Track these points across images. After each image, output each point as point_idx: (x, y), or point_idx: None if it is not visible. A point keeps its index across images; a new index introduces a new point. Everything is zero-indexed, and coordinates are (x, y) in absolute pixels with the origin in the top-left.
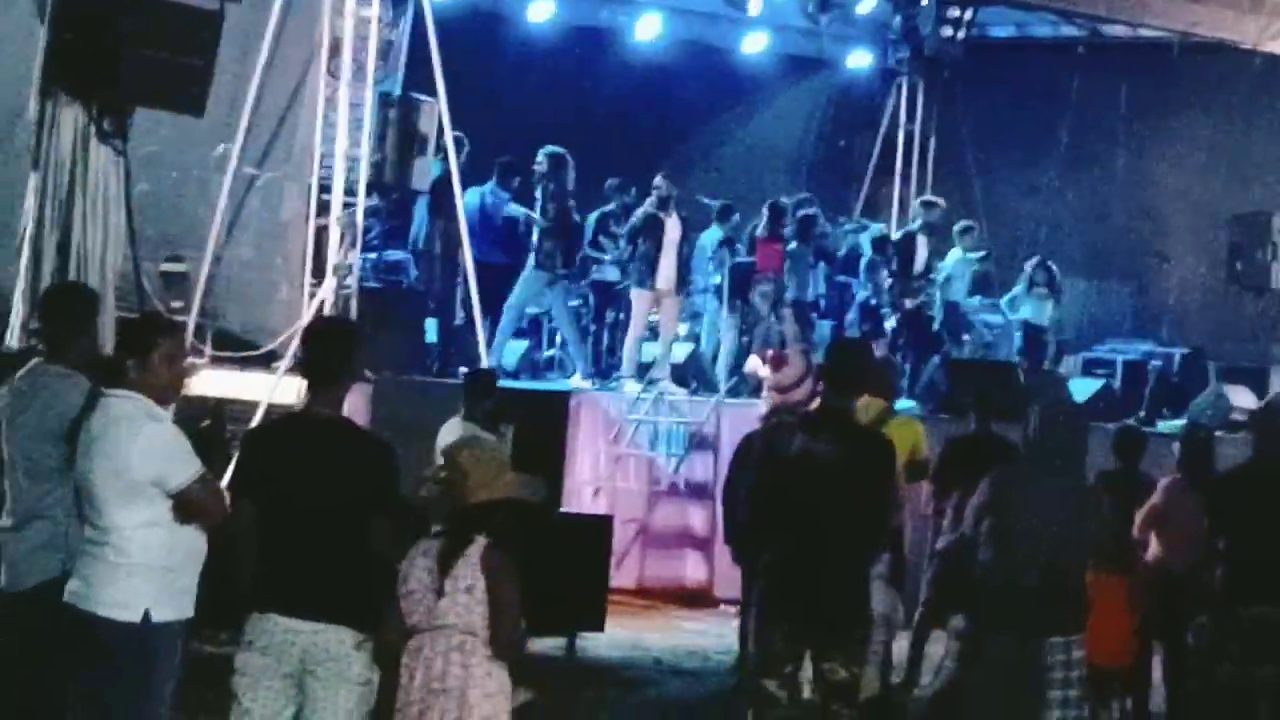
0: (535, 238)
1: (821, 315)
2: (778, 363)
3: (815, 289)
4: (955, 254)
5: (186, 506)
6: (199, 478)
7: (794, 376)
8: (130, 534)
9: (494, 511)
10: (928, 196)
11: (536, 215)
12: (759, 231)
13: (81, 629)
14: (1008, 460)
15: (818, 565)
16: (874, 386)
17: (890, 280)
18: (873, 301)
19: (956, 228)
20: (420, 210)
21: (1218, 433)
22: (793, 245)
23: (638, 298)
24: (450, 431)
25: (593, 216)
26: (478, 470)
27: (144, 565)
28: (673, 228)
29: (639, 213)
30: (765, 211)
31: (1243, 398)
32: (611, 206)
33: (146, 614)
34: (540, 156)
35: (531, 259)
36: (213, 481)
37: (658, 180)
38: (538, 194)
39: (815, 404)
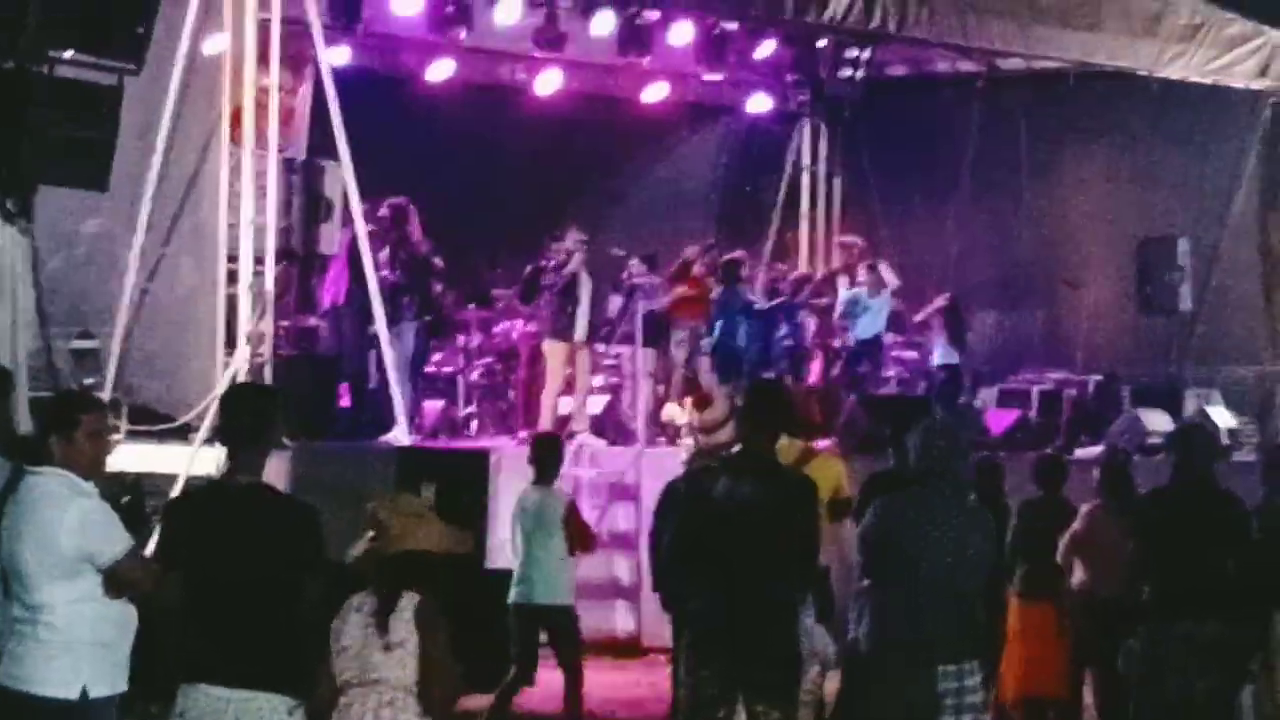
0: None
1: (743, 359)
2: (702, 404)
3: (739, 334)
4: (867, 293)
5: (117, 581)
6: (129, 552)
7: (718, 418)
8: (62, 611)
9: (422, 564)
10: (845, 238)
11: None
12: (672, 276)
13: (16, 711)
14: None
15: (746, 608)
16: (792, 427)
17: (810, 321)
18: (791, 343)
19: (865, 266)
20: (331, 275)
21: (1135, 457)
22: (717, 290)
23: (553, 351)
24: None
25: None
26: (396, 521)
27: (77, 641)
28: (586, 280)
29: (552, 266)
30: (681, 259)
31: (1158, 421)
32: (543, 261)
33: (84, 691)
34: (383, 209)
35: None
36: (142, 555)
37: (571, 233)
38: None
39: (737, 446)
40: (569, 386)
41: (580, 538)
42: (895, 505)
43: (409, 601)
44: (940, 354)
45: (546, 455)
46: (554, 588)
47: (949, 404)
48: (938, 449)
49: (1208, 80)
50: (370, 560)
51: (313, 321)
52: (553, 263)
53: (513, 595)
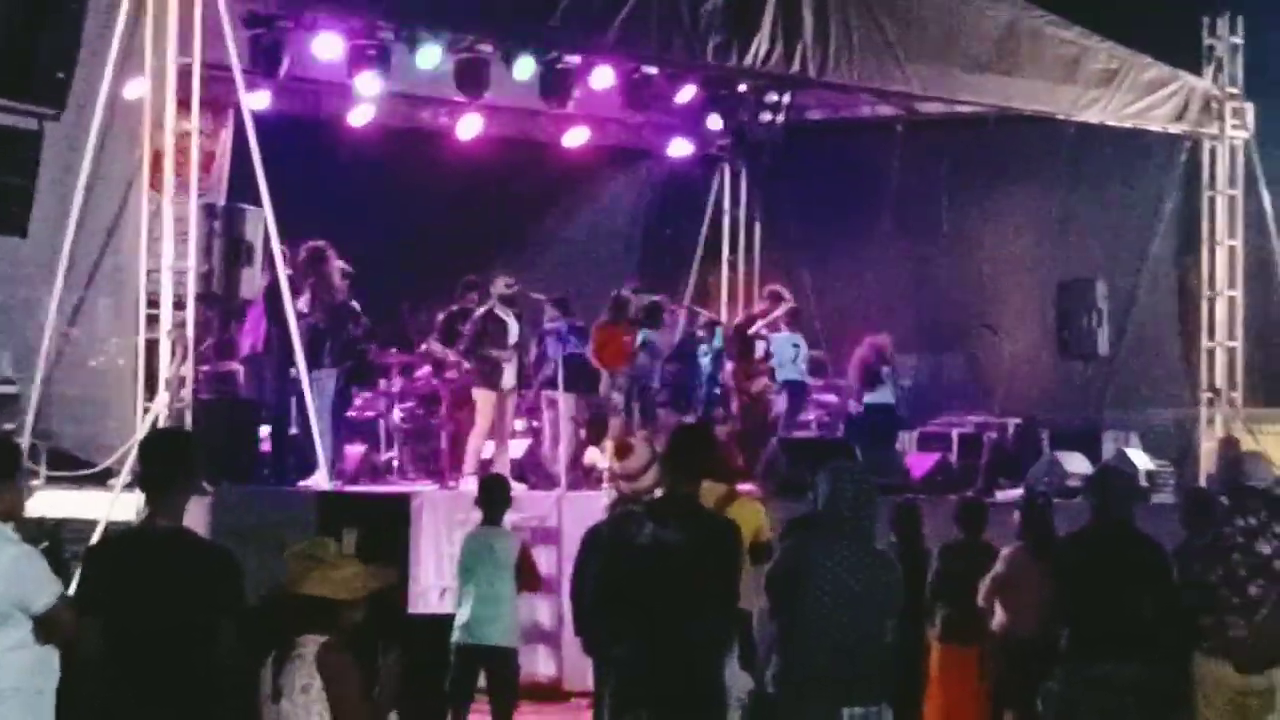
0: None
1: (663, 403)
2: (623, 451)
3: (660, 377)
4: (788, 336)
5: (49, 627)
6: (59, 597)
7: (640, 464)
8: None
9: (320, 608)
10: (775, 287)
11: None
12: (598, 321)
13: None
14: None
15: (668, 653)
16: (715, 471)
17: (732, 365)
18: (715, 389)
19: (789, 311)
20: (251, 319)
21: (1054, 499)
22: (643, 333)
23: (483, 398)
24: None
25: (440, 315)
26: (291, 564)
27: (15, 689)
28: (513, 327)
29: (480, 313)
30: (609, 303)
31: (1076, 464)
32: (456, 306)
33: None
34: (301, 252)
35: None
36: (69, 602)
37: (499, 279)
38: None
39: (660, 491)
40: (492, 430)
41: (530, 577)
42: (801, 548)
43: (312, 645)
44: (873, 394)
45: (494, 496)
46: (503, 629)
47: (872, 446)
48: (844, 492)
49: (1125, 124)
50: (270, 604)
51: (233, 366)
52: (477, 309)
53: (457, 636)
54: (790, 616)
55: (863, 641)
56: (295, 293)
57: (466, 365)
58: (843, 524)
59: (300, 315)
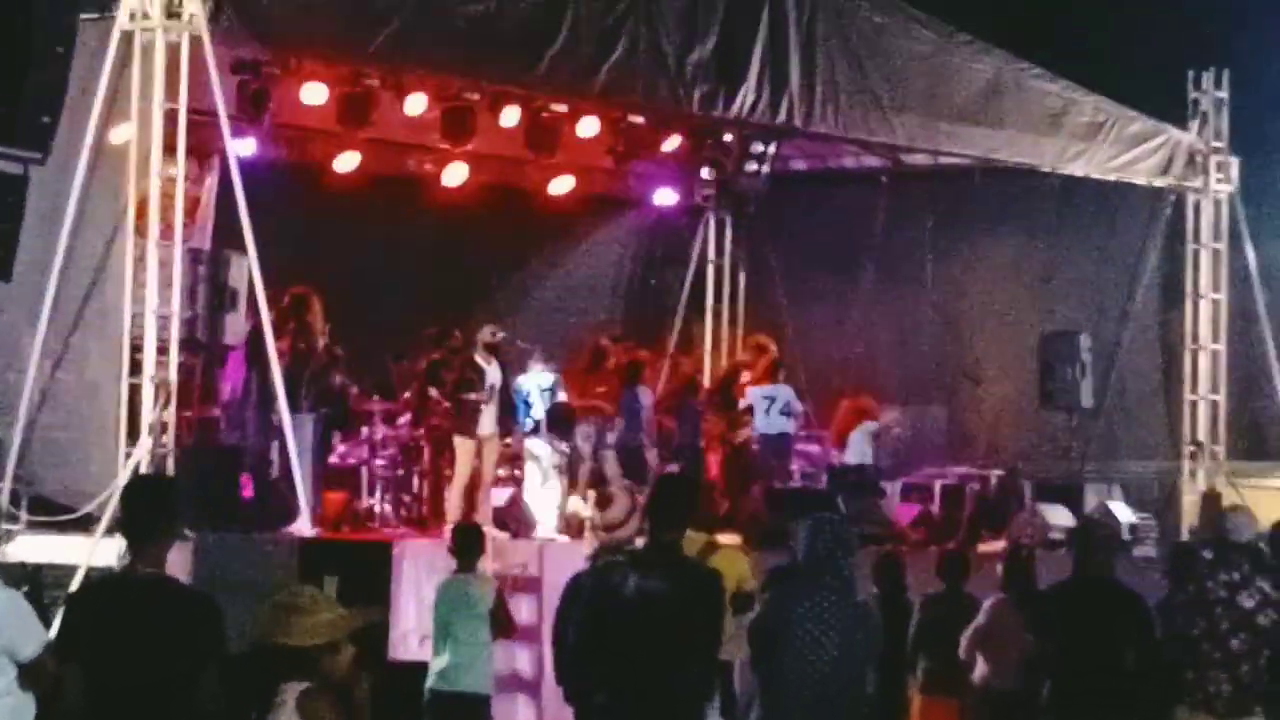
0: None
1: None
2: (603, 501)
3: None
4: (760, 390)
5: (35, 674)
6: (46, 645)
7: (620, 515)
8: None
9: (296, 655)
10: (759, 338)
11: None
12: (586, 370)
13: None
14: None
15: (650, 703)
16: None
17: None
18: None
19: (768, 361)
20: (233, 364)
21: (1037, 552)
22: (625, 390)
23: (462, 446)
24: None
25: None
26: (268, 612)
27: None
28: (493, 373)
29: (459, 360)
30: (587, 352)
31: (1059, 516)
32: (438, 355)
33: None
34: (285, 299)
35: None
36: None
37: (485, 328)
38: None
39: (641, 541)
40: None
41: (505, 624)
42: (781, 599)
43: (292, 692)
44: (854, 453)
45: (467, 544)
46: (478, 676)
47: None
48: (823, 544)
49: (1110, 177)
50: (253, 653)
51: (215, 412)
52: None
53: (431, 682)
54: (770, 667)
55: (843, 692)
56: (275, 338)
57: (446, 405)
58: (822, 574)
59: (280, 360)
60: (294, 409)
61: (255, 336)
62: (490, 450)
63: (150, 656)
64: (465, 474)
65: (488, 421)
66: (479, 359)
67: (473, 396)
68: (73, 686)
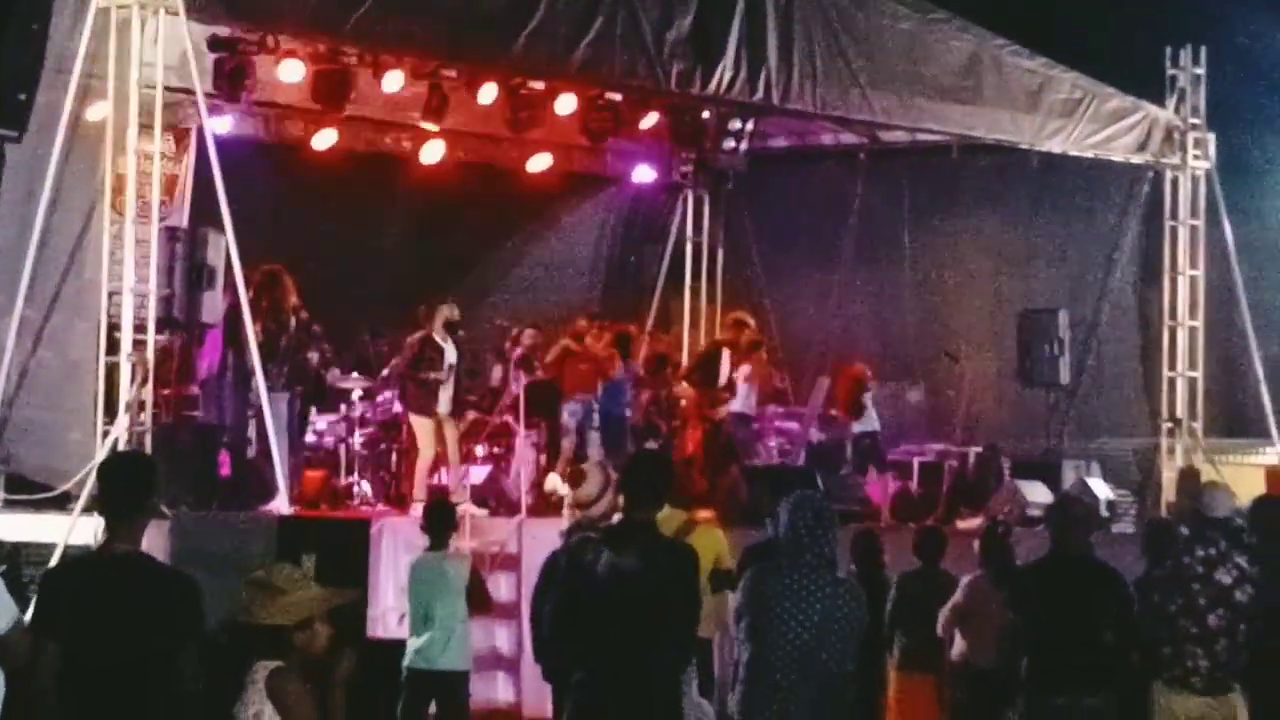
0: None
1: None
2: (576, 478)
3: (624, 406)
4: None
5: (6, 652)
6: (15, 622)
7: (593, 491)
8: None
9: (279, 634)
10: (738, 315)
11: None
12: (559, 348)
13: None
14: None
15: (626, 681)
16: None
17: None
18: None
19: (746, 338)
20: (210, 342)
21: (1015, 528)
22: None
23: (420, 425)
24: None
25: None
26: (245, 591)
27: None
28: (450, 352)
29: (414, 339)
30: (570, 330)
31: (1037, 493)
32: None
33: None
34: (256, 275)
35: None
36: (25, 626)
37: (444, 307)
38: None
39: (617, 518)
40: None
41: (481, 600)
42: (762, 578)
43: (262, 671)
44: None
45: (439, 521)
46: (454, 653)
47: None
48: (803, 522)
49: (1088, 154)
50: (228, 631)
51: (193, 390)
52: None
53: (409, 660)
54: (753, 645)
55: (825, 669)
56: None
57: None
58: (803, 552)
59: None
60: (269, 387)
61: (233, 315)
62: (450, 429)
63: (127, 635)
64: (429, 453)
65: (445, 400)
66: (437, 338)
67: (432, 375)
68: (46, 664)
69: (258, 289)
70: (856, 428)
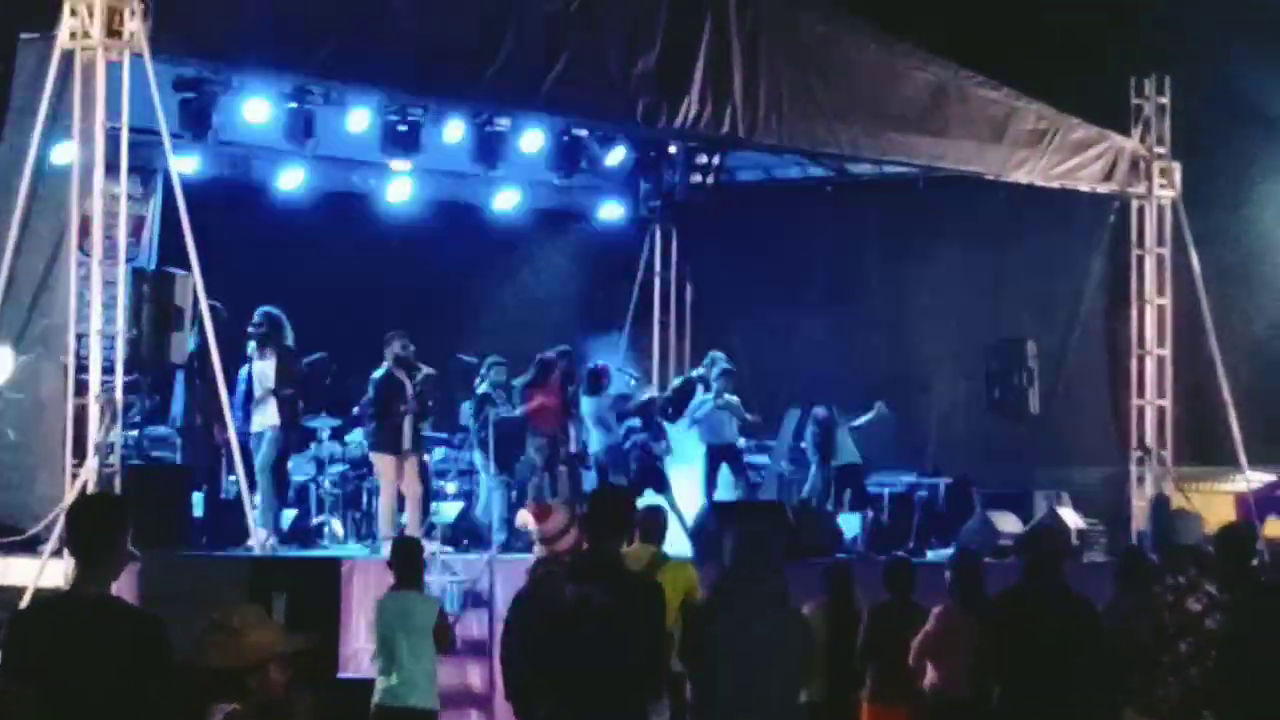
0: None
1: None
2: (541, 514)
3: (607, 439)
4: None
5: None
6: None
7: (558, 527)
8: None
9: (234, 676)
10: (716, 352)
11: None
12: (527, 384)
13: None
14: None
15: (594, 713)
16: (644, 533)
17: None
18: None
19: (716, 371)
20: (179, 384)
21: (986, 559)
22: (583, 399)
23: (383, 462)
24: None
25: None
26: (202, 633)
27: None
28: (409, 387)
29: (378, 375)
30: (533, 366)
31: (1008, 523)
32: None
33: None
34: (258, 317)
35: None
36: None
37: (395, 340)
38: (262, 356)
39: (582, 552)
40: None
41: (444, 641)
42: (708, 609)
43: (219, 714)
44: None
45: (407, 559)
46: (423, 691)
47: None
48: (747, 555)
49: (1054, 184)
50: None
51: (163, 431)
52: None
53: (378, 699)
54: (699, 679)
55: (772, 701)
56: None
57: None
58: (749, 584)
59: (265, 379)
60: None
61: (202, 354)
62: (410, 465)
63: (94, 677)
64: (392, 490)
65: (407, 436)
66: (397, 374)
67: (402, 409)
68: (15, 709)
69: (266, 331)
70: (835, 462)
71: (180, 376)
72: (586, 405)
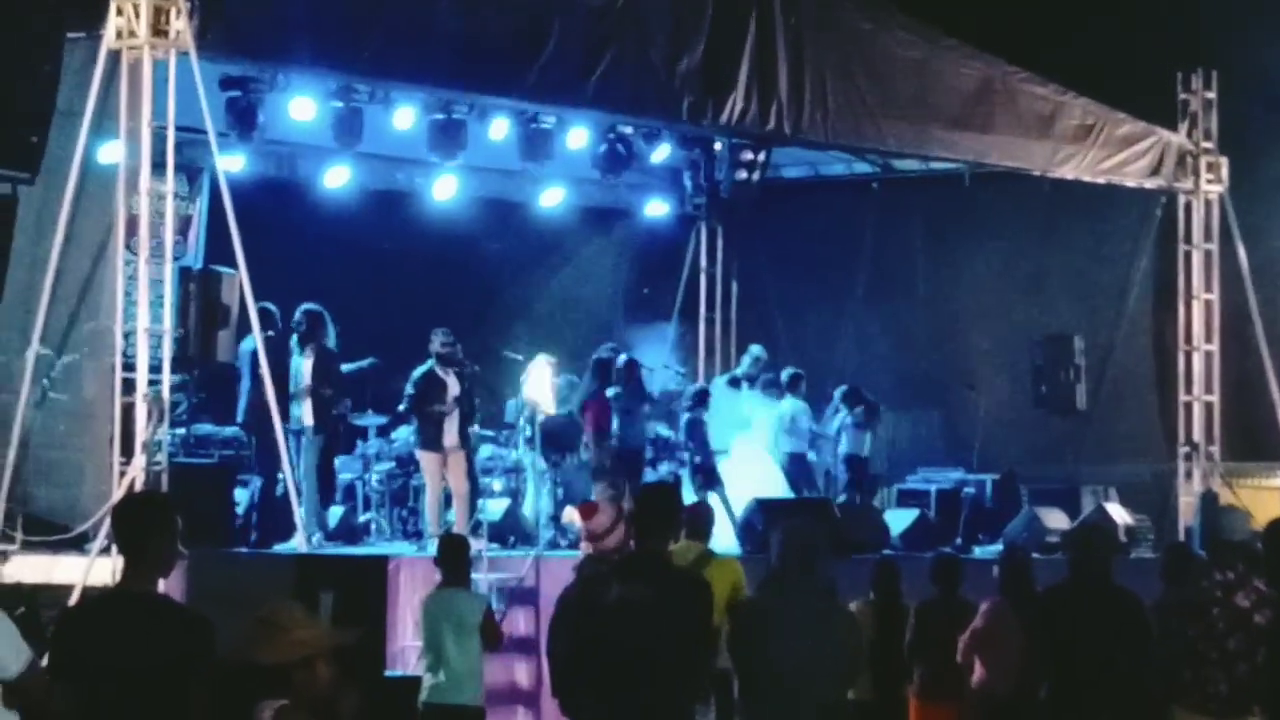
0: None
1: (649, 463)
2: (588, 511)
3: (642, 436)
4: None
5: (21, 694)
6: (29, 663)
7: (605, 524)
8: None
9: (281, 672)
10: (757, 350)
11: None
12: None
13: None
14: None
15: (641, 712)
16: (690, 530)
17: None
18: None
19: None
20: (244, 383)
21: (1034, 555)
22: (615, 391)
23: (427, 459)
24: None
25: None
26: (249, 629)
27: None
28: (453, 384)
29: (417, 373)
30: (590, 373)
31: (1055, 519)
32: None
33: None
34: (298, 315)
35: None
36: (40, 667)
37: (435, 337)
38: (301, 353)
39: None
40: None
41: (492, 638)
42: (754, 607)
43: (269, 711)
44: (848, 448)
45: (454, 557)
46: (470, 689)
47: (851, 503)
48: (793, 552)
49: (1101, 180)
50: (232, 671)
51: (209, 429)
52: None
53: (425, 696)
54: (747, 675)
55: (818, 698)
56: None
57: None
58: (795, 581)
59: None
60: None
61: (255, 353)
62: (456, 462)
63: (142, 675)
64: (437, 487)
65: (451, 433)
66: (438, 370)
67: (436, 408)
68: (64, 705)
69: (307, 328)
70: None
71: (246, 374)
72: (624, 399)
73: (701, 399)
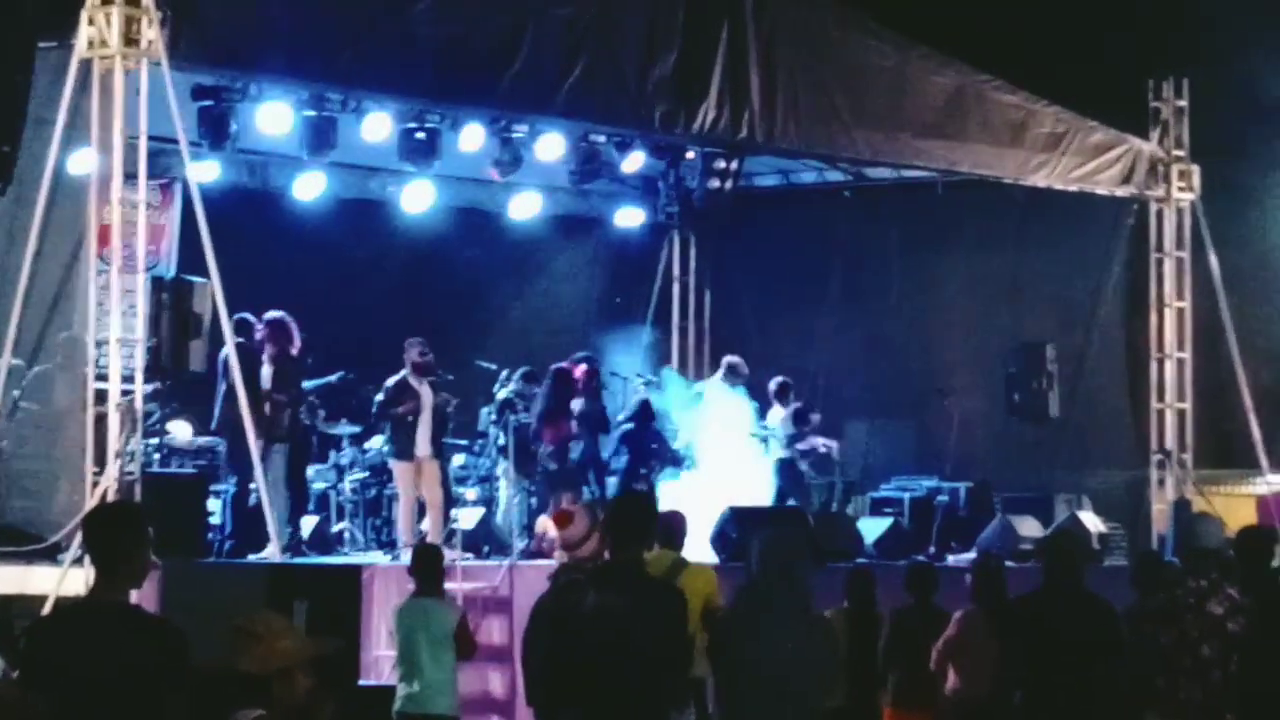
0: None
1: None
2: (562, 520)
3: (599, 445)
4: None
5: None
6: (2, 675)
7: (580, 533)
8: None
9: (259, 683)
10: (732, 359)
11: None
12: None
13: None
14: None
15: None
16: (664, 538)
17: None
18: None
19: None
20: (219, 391)
21: (1007, 563)
22: (579, 402)
23: (400, 469)
24: None
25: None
26: (229, 639)
27: None
28: (427, 394)
29: (390, 381)
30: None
31: (1029, 527)
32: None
33: None
34: (260, 323)
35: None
36: (11, 677)
37: (411, 347)
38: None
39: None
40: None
41: (465, 647)
42: (732, 616)
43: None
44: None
45: (428, 566)
46: (445, 699)
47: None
48: (773, 560)
49: (1073, 188)
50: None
51: (180, 440)
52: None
53: (399, 705)
54: (725, 684)
55: (796, 706)
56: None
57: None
58: (774, 589)
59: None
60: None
61: (227, 363)
62: (429, 471)
63: (113, 686)
64: (410, 497)
65: (424, 442)
66: (411, 380)
67: (408, 418)
68: (38, 716)
69: (268, 336)
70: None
71: (219, 385)
72: (587, 408)
73: (644, 411)
